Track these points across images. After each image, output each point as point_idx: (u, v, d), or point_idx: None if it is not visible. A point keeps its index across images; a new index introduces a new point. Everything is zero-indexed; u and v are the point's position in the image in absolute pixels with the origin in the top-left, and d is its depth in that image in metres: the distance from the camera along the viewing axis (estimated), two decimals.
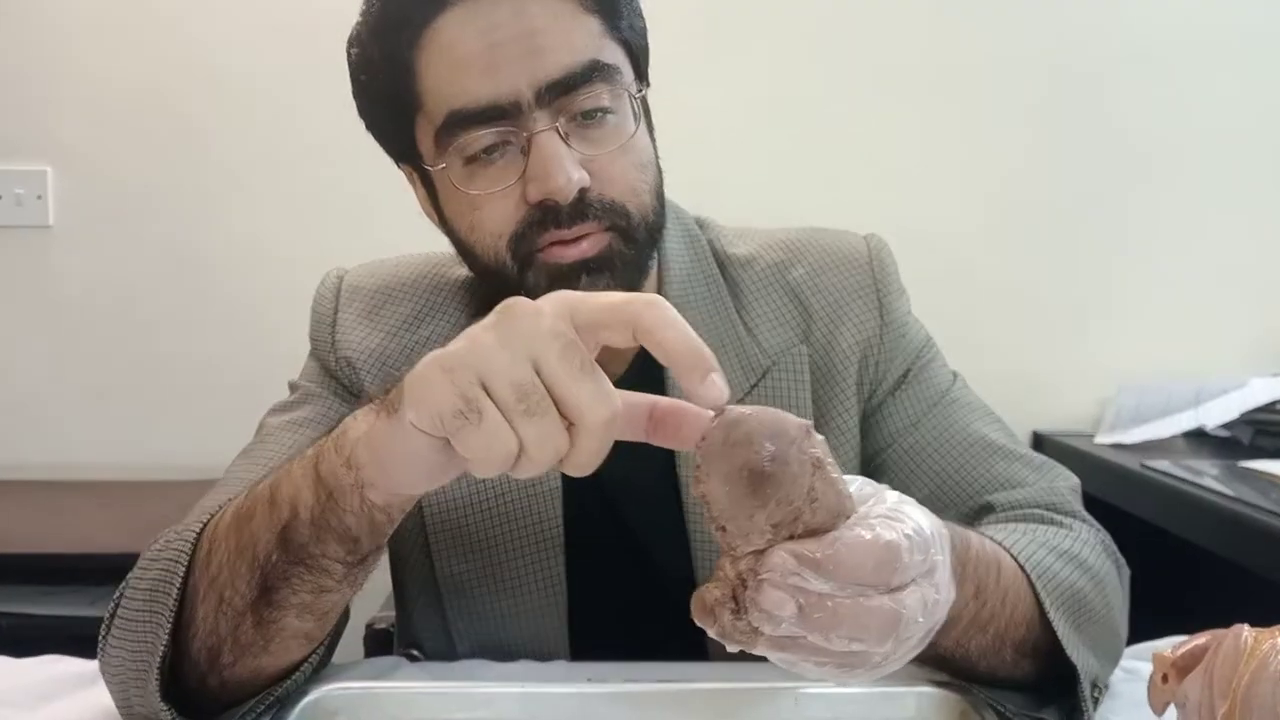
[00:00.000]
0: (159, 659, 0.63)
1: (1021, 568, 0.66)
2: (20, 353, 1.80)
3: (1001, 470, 0.82)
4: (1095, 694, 0.68)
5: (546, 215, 0.73)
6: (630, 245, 0.76)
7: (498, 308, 0.50)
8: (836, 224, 0.92)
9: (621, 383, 0.86)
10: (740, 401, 0.81)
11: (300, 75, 1.76)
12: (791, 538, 0.45)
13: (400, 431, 0.51)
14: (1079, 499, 0.82)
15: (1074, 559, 0.71)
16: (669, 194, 0.87)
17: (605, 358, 0.84)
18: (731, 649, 0.47)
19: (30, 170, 1.77)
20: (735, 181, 1.63)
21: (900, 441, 0.84)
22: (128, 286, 1.80)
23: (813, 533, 0.45)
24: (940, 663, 0.65)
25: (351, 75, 0.80)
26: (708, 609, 0.46)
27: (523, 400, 0.47)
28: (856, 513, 0.47)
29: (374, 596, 1.15)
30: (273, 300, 1.75)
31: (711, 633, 0.46)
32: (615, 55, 0.76)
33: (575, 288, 0.64)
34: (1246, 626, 0.55)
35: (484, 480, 0.82)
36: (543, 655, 0.81)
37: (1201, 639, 0.58)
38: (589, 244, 0.74)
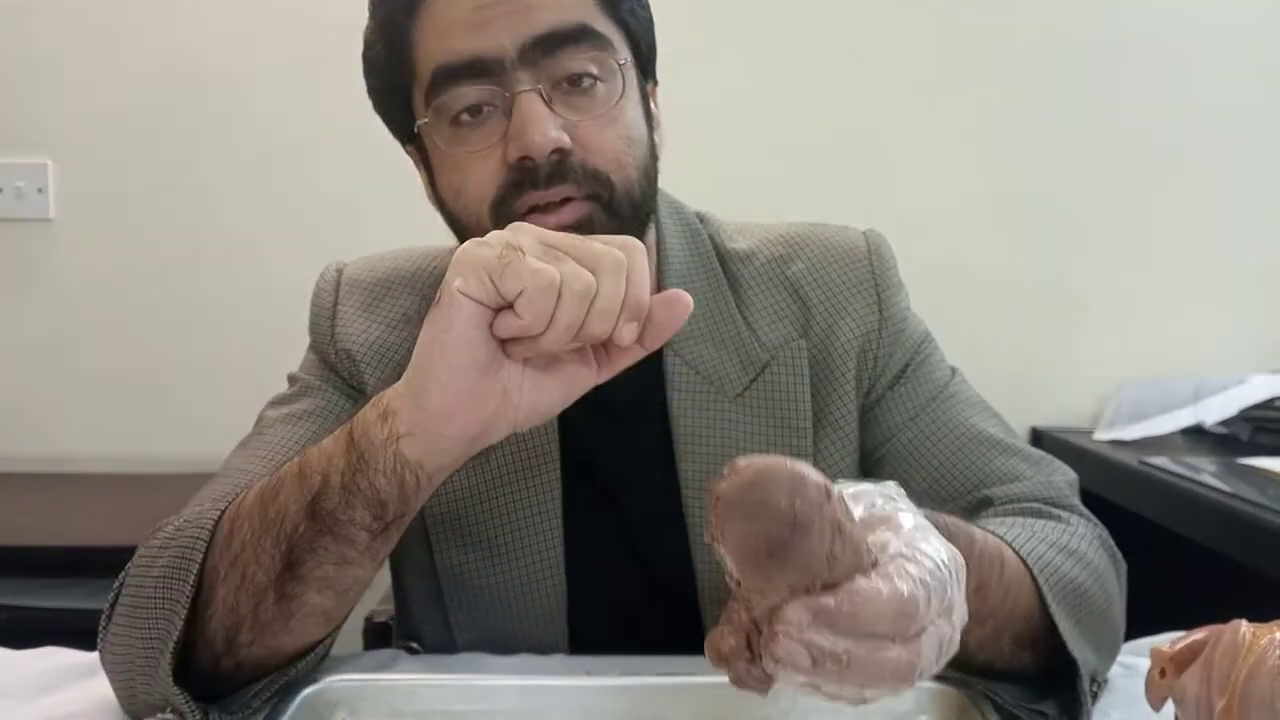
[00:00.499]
0: (173, 644, 0.63)
1: (1024, 562, 0.66)
2: (20, 345, 1.80)
3: (999, 464, 0.82)
4: (1094, 688, 0.69)
5: (525, 176, 0.73)
6: (613, 219, 0.75)
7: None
8: (836, 219, 0.92)
9: (624, 378, 0.86)
10: (740, 396, 0.82)
11: (300, 71, 1.76)
12: (808, 591, 0.44)
13: (446, 313, 0.57)
14: (1076, 494, 0.82)
15: (1074, 554, 0.71)
16: (670, 189, 0.87)
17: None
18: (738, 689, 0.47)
19: (31, 163, 1.77)
20: (735, 176, 1.62)
21: (899, 436, 0.85)
22: (128, 280, 1.80)
23: (829, 587, 0.44)
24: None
25: (362, 56, 0.81)
26: (722, 657, 0.46)
27: (548, 251, 0.57)
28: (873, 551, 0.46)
29: (373, 590, 1.14)
30: (272, 293, 1.74)
31: (725, 675, 0.46)
32: (608, 29, 0.76)
33: None
34: (1244, 622, 0.55)
35: (483, 471, 0.83)
36: (542, 648, 0.81)
37: (1200, 634, 0.58)
38: (569, 211, 0.74)
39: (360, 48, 0.81)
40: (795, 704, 0.67)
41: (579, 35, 0.74)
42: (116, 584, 0.71)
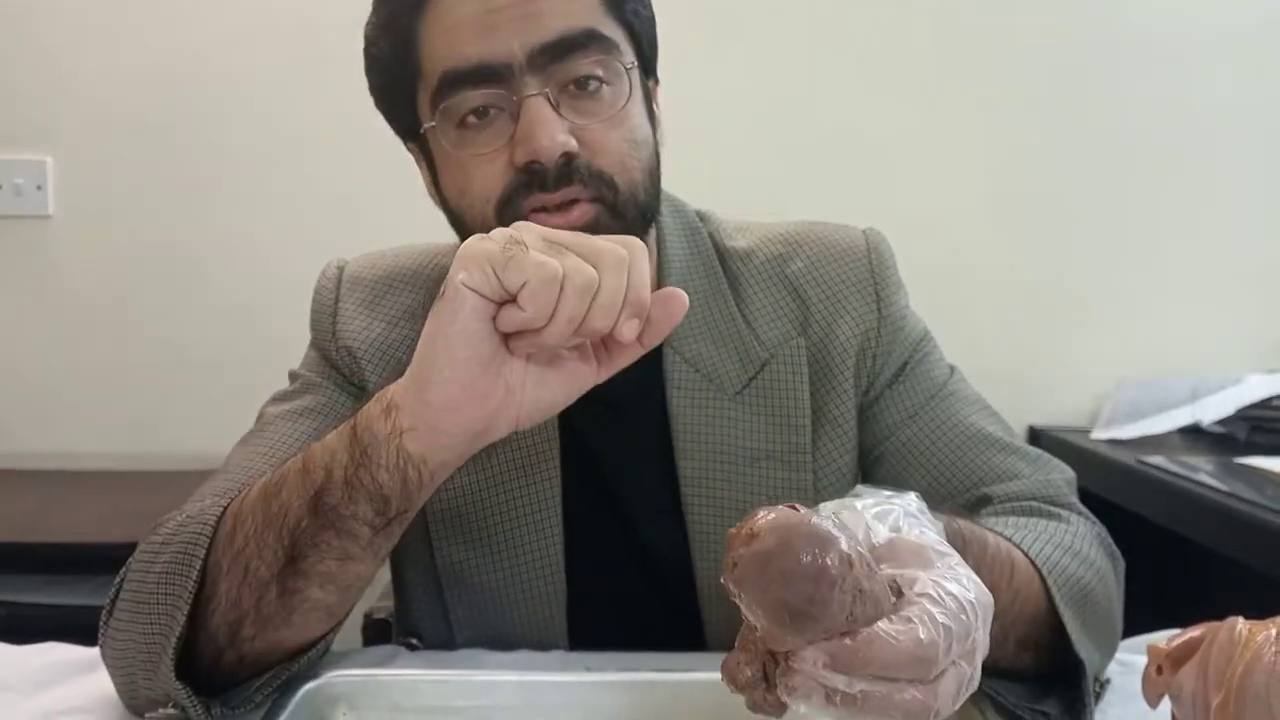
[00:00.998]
0: (175, 638, 0.64)
1: (1034, 565, 0.67)
2: (19, 343, 1.80)
3: (998, 463, 0.82)
4: (1096, 688, 0.69)
5: (532, 179, 0.74)
6: (617, 220, 0.76)
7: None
8: (835, 218, 0.92)
9: (623, 376, 0.86)
10: (739, 393, 0.83)
11: (300, 68, 1.76)
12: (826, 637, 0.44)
13: (450, 306, 0.58)
14: (1075, 492, 0.83)
15: (1078, 554, 0.71)
16: (670, 188, 0.87)
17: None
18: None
19: (30, 160, 1.77)
20: (735, 175, 1.63)
21: (897, 434, 0.85)
22: (127, 277, 1.80)
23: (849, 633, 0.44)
24: None
25: (364, 50, 0.81)
26: (739, 686, 0.46)
27: (551, 246, 0.58)
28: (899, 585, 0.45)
29: (373, 587, 1.14)
30: (272, 290, 1.74)
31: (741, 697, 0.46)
32: (614, 31, 0.76)
33: None
34: (1241, 618, 0.56)
35: (484, 468, 0.83)
36: (541, 644, 0.82)
37: (1196, 631, 0.58)
38: (575, 213, 0.74)
39: (361, 45, 0.81)
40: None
41: (586, 40, 0.74)
42: (117, 580, 0.71)
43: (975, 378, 0.91)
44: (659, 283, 0.85)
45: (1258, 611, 0.56)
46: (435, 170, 0.80)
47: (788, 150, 1.80)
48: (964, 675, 0.46)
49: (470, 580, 0.84)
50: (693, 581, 0.83)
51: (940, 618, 0.44)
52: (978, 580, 0.48)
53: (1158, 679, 0.59)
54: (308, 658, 0.69)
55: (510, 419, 0.63)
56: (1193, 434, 1.70)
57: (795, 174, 1.78)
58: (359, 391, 0.86)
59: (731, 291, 0.87)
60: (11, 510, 1.58)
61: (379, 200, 1.52)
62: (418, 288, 0.89)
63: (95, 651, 0.71)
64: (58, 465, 1.78)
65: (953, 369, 0.90)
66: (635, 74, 0.77)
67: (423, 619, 0.88)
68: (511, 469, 0.83)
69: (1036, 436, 1.80)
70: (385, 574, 0.96)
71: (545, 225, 0.72)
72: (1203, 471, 1.41)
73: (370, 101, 0.83)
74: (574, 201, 0.74)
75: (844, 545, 0.43)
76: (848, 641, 0.43)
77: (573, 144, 0.73)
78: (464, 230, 0.79)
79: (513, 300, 0.57)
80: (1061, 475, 0.83)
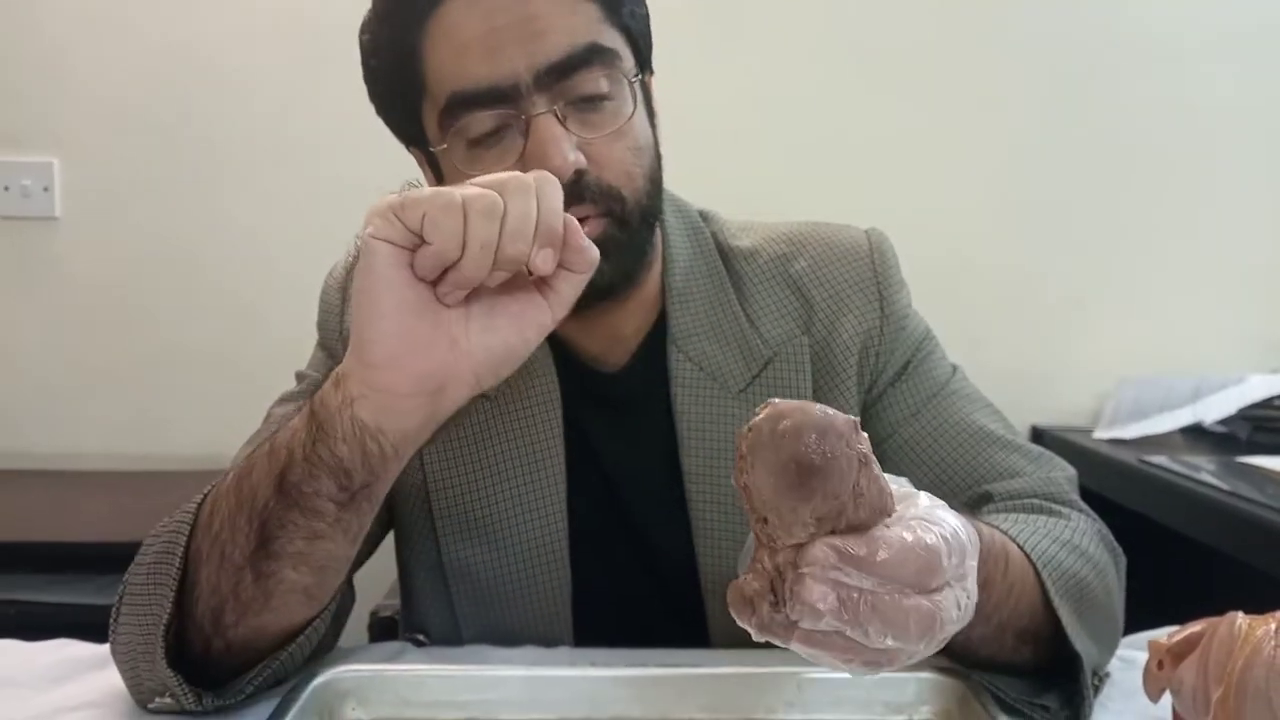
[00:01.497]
0: (163, 626, 0.65)
1: (1028, 558, 0.67)
2: (27, 343, 1.81)
3: (1000, 460, 0.83)
4: (1096, 682, 0.69)
5: None
6: (624, 229, 0.77)
7: None
8: (838, 218, 0.93)
9: (625, 371, 0.86)
10: (743, 391, 0.83)
11: (303, 70, 1.76)
12: (833, 532, 0.45)
13: (364, 262, 0.60)
14: (1076, 489, 0.83)
15: (1076, 549, 0.72)
16: (673, 188, 0.88)
17: (605, 347, 0.86)
18: (758, 639, 0.47)
19: (37, 162, 1.78)
20: (738, 176, 1.63)
21: (900, 432, 0.85)
22: (134, 278, 1.80)
23: (854, 529, 0.45)
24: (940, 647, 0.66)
25: (363, 60, 0.81)
26: (746, 600, 0.46)
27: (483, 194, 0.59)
28: (894, 513, 0.47)
29: (378, 584, 1.16)
30: (276, 291, 1.75)
31: (748, 625, 0.46)
32: (614, 40, 0.77)
33: None
34: (1241, 613, 0.56)
35: (489, 465, 0.84)
36: (547, 641, 0.82)
37: (1196, 626, 0.59)
38: (586, 229, 0.75)
39: None
40: (800, 692, 0.68)
41: (590, 55, 0.74)
42: (125, 578, 0.72)
43: (978, 377, 0.92)
44: (663, 282, 0.86)
45: (1259, 610, 0.57)
46: (442, 183, 0.81)
47: (791, 150, 1.80)
48: (960, 599, 0.47)
49: (476, 576, 0.84)
50: (697, 577, 0.84)
51: (938, 530, 0.46)
52: (961, 517, 0.50)
53: (1159, 674, 0.59)
54: (297, 646, 0.69)
55: (466, 373, 0.63)
56: (1195, 433, 1.70)
57: (798, 174, 1.78)
58: None
59: (735, 290, 0.87)
60: (18, 509, 1.58)
61: (380, 190, 1.52)
62: None
63: (105, 648, 0.72)
64: (64, 465, 1.79)
65: (955, 368, 0.90)
66: (637, 85, 0.78)
67: (429, 616, 0.88)
68: (516, 466, 0.84)
69: (1039, 436, 1.80)
70: (391, 572, 0.96)
71: None
72: (1205, 471, 1.42)
73: None
74: (584, 218, 0.74)
75: (848, 418, 0.46)
76: (856, 539, 0.44)
77: (582, 161, 0.74)
78: None
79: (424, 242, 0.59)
80: (1063, 473, 0.84)
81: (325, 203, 1.78)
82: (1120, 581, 0.77)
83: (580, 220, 0.74)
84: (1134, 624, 0.78)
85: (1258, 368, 1.77)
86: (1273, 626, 0.54)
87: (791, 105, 1.80)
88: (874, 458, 0.46)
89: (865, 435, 0.46)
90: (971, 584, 0.49)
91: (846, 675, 0.48)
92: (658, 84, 0.84)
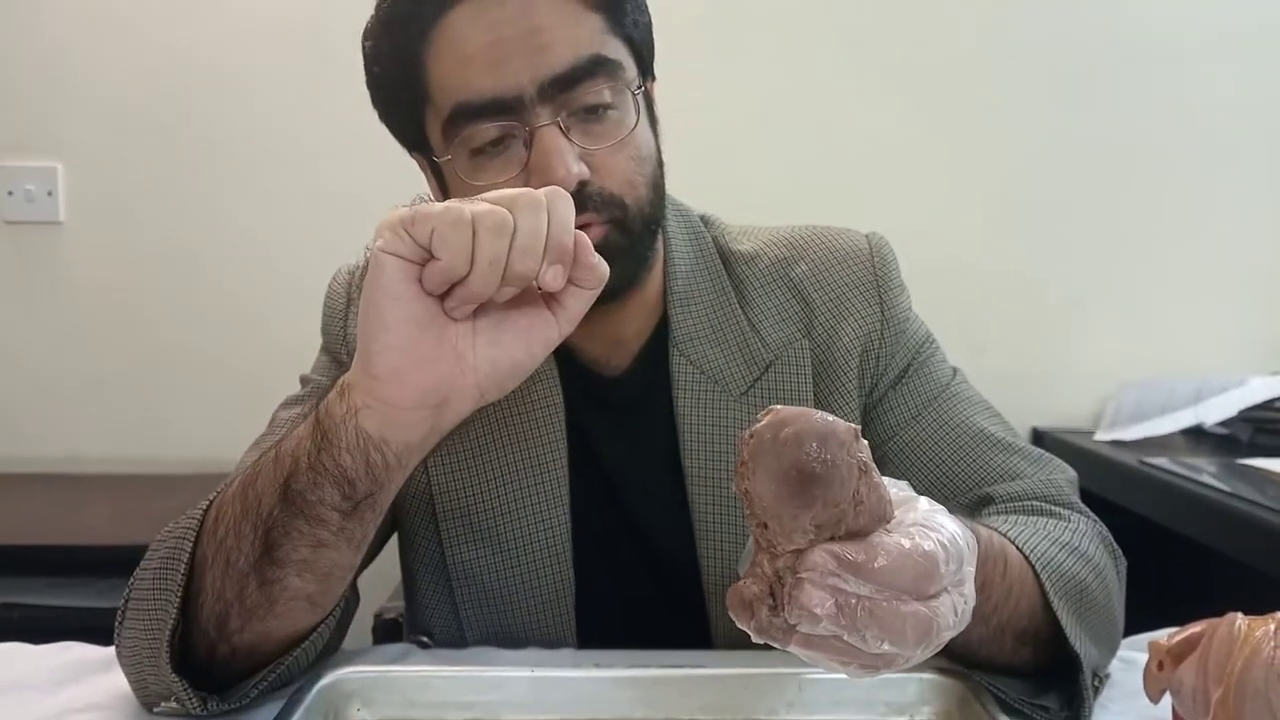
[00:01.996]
0: (169, 631, 0.65)
1: (1027, 559, 0.67)
2: (31, 347, 1.81)
3: (1000, 463, 0.83)
4: (1096, 683, 0.70)
5: None
6: (626, 235, 0.77)
7: None
8: (838, 221, 0.93)
9: (627, 374, 0.87)
10: (744, 394, 0.84)
11: (305, 73, 1.77)
12: (833, 539, 0.45)
13: (372, 274, 0.59)
14: (1076, 491, 0.83)
15: (1075, 550, 0.72)
16: (674, 193, 0.88)
17: (607, 350, 0.86)
18: (757, 640, 0.47)
19: (41, 167, 1.78)
20: (739, 180, 1.64)
21: (901, 435, 0.86)
22: (137, 281, 1.81)
23: (853, 536, 0.45)
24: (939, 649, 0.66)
25: (365, 67, 0.81)
26: (745, 604, 0.46)
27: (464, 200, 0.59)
28: (894, 518, 0.47)
29: (382, 586, 1.16)
30: (279, 295, 1.76)
31: (747, 627, 0.47)
32: (618, 51, 0.77)
33: None
34: (1240, 614, 0.56)
35: (492, 468, 0.84)
36: (550, 643, 0.83)
37: (1196, 627, 0.59)
38: (590, 235, 0.75)
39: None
40: (801, 693, 0.68)
41: (594, 67, 0.74)
42: (130, 581, 0.72)
43: (978, 379, 0.92)
44: (665, 286, 0.86)
45: (1258, 612, 0.57)
46: (446, 190, 0.81)
47: (791, 155, 1.80)
48: (958, 605, 0.48)
49: (480, 578, 0.85)
50: (699, 579, 0.84)
51: (935, 537, 0.47)
52: (961, 523, 0.50)
53: (1159, 674, 0.59)
54: (302, 650, 0.70)
55: (470, 387, 0.63)
56: (1196, 435, 1.70)
57: (799, 179, 1.79)
58: None
59: (736, 295, 0.88)
60: (21, 513, 1.59)
61: (390, 205, 1.53)
62: None
63: (111, 651, 0.72)
64: (67, 469, 1.79)
65: (955, 371, 0.91)
66: (640, 95, 0.78)
67: (433, 618, 0.89)
68: (519, 468, 0.84)
69: (1040, 438, 1.81)
70: (394, 574, 0.97)
71: None
72: (1205, 473, 1.42)
73: None
74: (586, 225, 0.74)
75: (849, 425, 0.46)
76: (855, 545, 0.45)
77: (586, 172, 0.74)
78: None
79: (433, 258, 0.58)
80: (1063, 475, 0.84)
81: (327, 206, 1.78)
82: (1120, 583, 0.77)
83: (583, 228, 0.74)
84: (1134, 625, 0.78)
85: (1259, 370, 1.77)
86: (1272, 627, 0.54)
87: (791, 109, 1.81)
88: (874, 465, 0.46)
89: (865, 443, 0.47)
90: (969, 589, 0.49)
91: (847, 677, 0.48)
92: (659, 88, 0.84)
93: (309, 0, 1.76)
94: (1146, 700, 0.61)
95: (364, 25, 0.80)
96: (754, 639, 0.47)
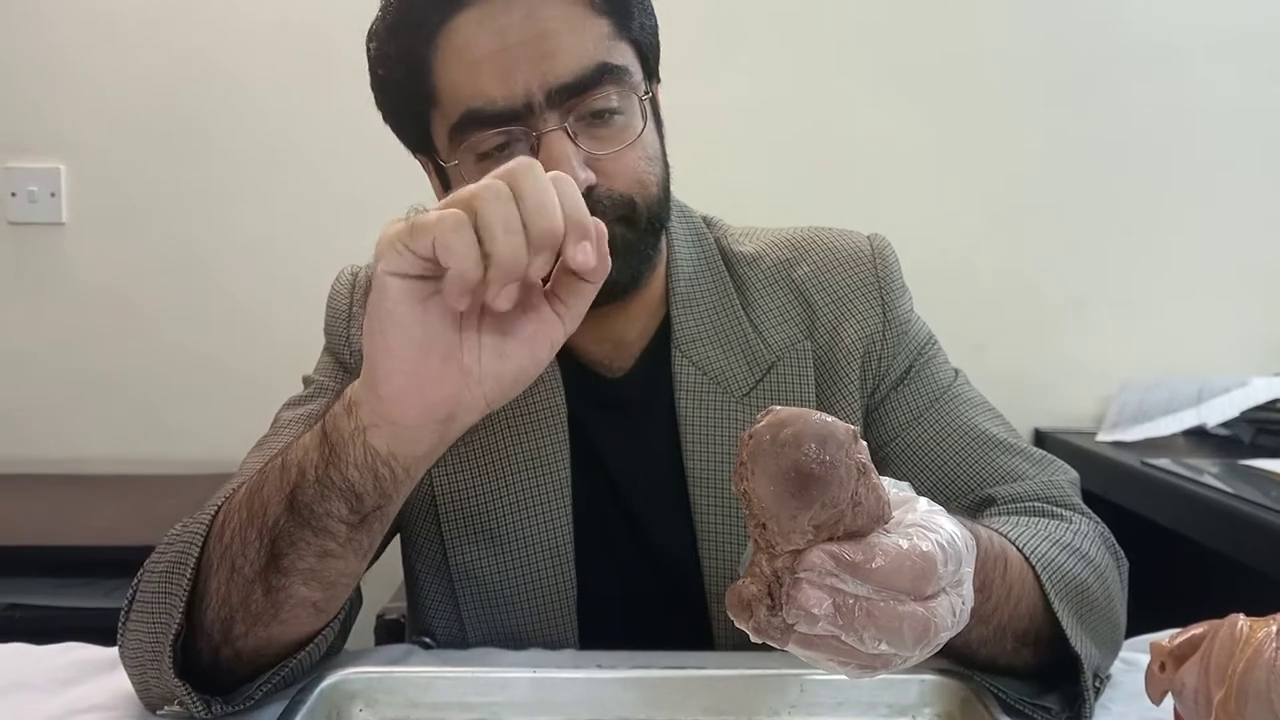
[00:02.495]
0: (173, 634, 0.65)
1: (1027, 560, 0.67)
2: (34, 348, 1.81)
3: (1002, 464, 0.83)
4: (1097, 684, 0.70)
5: None
6: (633, 230, 0.77)
7: None
8: (840, 222, 0.93)
9: (630, 375, 0.87)
10: (746, 395, 0.84)
11: (307, 75, 1.77)
12: (831, 539, 0.45)
13: (376, 297, 0.58)
14: (1078, 492, 0.83)
15: (1076, 552, 0.72)
16: (677, 193, 0.88)
17: (609, 352, 0.86)
18: (756, 640, 0.47)
19: (43, 168, 1.79)
20: (741, 181, 1.64)
21: (902, 436, 0.86)
22: (140, 283, 1.81)
23: (851, 536, 0.45)
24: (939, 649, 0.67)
25: (370, 69, 0.81)
26: (744, 604, 0.47)
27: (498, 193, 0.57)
28: (892, 519, 0.47)
29: (384, 587, 1.16)
30: (281, 296, 1.76)
31: (745, 627, 0.47)
32: (625, 56, 0.77)
33: None
34: (1242, 615, 0.56)
35: (495, 469, 0.84)
36: (552, 643, 0.83)
37: (1198, 628, 0.59)
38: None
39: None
40: (803, 694, 0.68)
41: (601, 74, 0.75)
42: (135, 580, 0.72)
43: (980, 381, 0.92)
44: (667, 287, 0.86)
45: (1261, 612, 0.57)
46: (450, 192, 0.81)
47: (793, 156, 1.81)
48: (956, 606, 0.48)
49: (482, 579, 0.85)
50: (700, 580, 0.84)
51: (934, 538, 0.47)
52: (960, 525, 0.50)
53: (1160, 676, 0.59)
54: (306, 654, 0.70)
55: (477, 398, 0.63)
56: (1198, 436, 1.70)
57: (800, 180, 1.79)
58: None
59: (738, 295, 0.88)
60: (24, 514, 1.59)
61: (393, 206, 1.53)
62: None
63: (115, 651, 0.72)
64: (70, 469, 1.80)
65: (957, 372, 0.91)
66: (647, 101, 0.78)
67: (436, 618, 0.89)
68: (522, 470, 0.84)
69: (1041, 439, 1.81)
70: (397, 575, 0.97)
71: None
72: (1207, 473, 1.42)
73: None
74: None
75: (848, 426, 0.46)
76: (853, 546, 0.45)
77: (592, 177, 0.74)
78: None
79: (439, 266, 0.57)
80: (1065, 476, 0.84)
81: (329, 206, 1.79)
82: (1123, 584, 0.77)
83: None
84: (1136, 626, 0.78)
85: (1261, 370, 1.77)
86: (1274, 629, 0.54)
87: (793, 110, 1.81)
88: (872, 466, 0.47)
89: (864, 444, 0.47)
90: (967, 590, 0.49)
91: (846, 677, 0.48)
92: (663, 90, 0.85)
93: (311, 2, 1.76)
94: (1148, 701, 0.61)
95: (368, 27, 0.81)
96: (752, 639, 0.47)
